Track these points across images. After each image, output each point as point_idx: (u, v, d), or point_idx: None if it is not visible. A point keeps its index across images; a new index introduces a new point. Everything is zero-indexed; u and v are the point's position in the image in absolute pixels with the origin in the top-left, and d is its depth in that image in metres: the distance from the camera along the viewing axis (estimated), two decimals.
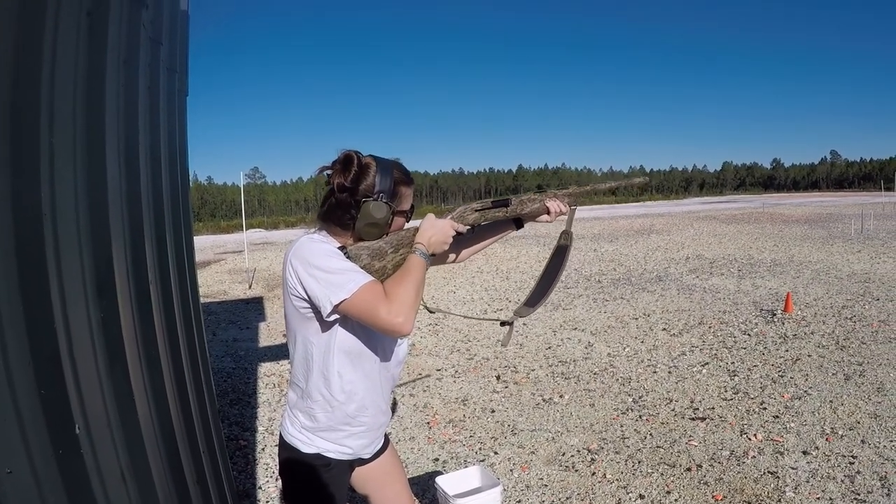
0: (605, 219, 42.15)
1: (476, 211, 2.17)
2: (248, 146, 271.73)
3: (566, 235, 2.38)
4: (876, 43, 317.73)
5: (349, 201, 1.95)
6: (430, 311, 2.34)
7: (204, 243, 35.41)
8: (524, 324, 9.48)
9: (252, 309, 11.98)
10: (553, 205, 2.30)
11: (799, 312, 9.48)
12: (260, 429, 5.56)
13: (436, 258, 2.27)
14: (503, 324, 2.39)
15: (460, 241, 2.32)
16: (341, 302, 1.81)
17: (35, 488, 1.03)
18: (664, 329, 8.88)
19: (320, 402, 2.03)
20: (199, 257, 23.19)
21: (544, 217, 2.33)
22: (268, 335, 9.63)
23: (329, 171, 2.00)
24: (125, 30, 1.80)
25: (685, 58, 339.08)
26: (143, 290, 2.01)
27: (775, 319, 9.10)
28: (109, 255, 1.54)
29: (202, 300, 9.53)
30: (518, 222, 2.39)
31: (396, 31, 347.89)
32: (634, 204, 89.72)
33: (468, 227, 2.18)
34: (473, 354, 7.93)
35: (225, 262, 22.37)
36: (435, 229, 2.05)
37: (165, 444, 2.09)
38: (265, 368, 7.64)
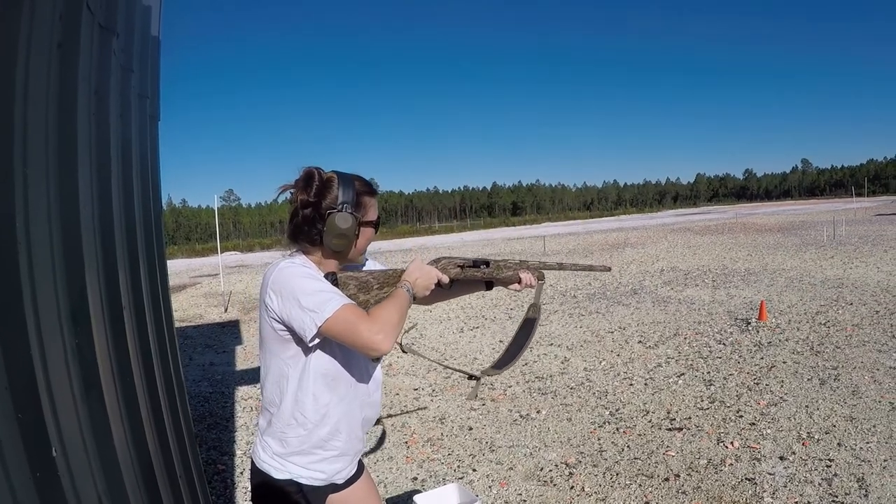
0: (580, 234, 42.47)
1: (458, 266, 2.26)
2: (223, 168, 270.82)
3: (534, 308, 2.48)
4: (845, 52, 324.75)
5: (314, 216, 1.98)
6: (403, 351, 2.40)
7: (179, 267, 35.14)
8: (500, 341, 9.52)
9: (228, 333, 11.91)
10: (525, 276, 2.39)
11: (773, 320, 9.63)
12: (238, 452, 5.52)
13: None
14: (471, 377, 2.48)
15: (436, 291, 2.38)
16: (324, 322, 1.83)
17: None
18: (640, 342, 8.96)
19: (293, 425, 2.03)
20: (174, 281, 22.98)
21: (515, 286, 2.42)
22: (244, 359, 9.57)
23: (292, 190, 2.03)
24: (96, 59, 1.83)
25: (656, 72, 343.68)
26: (117, 316, 2.02)
27: (750, 328, 9.23)
28: (83, 281, 1.56)
29: (178, 324, 9.45)
30: (489, 284, 2.47)
31: (369, 53, 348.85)
32: (609, 218, 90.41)
33: (449, 280, 2.26)
34: (450, 373, 7.92)
35: (200, 286, 22.20)
36: (421, 273, 2.10)
37: (142, 469, 2.09)
38: (242, 392, 7.60)
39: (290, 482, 2.06)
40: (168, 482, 2.44)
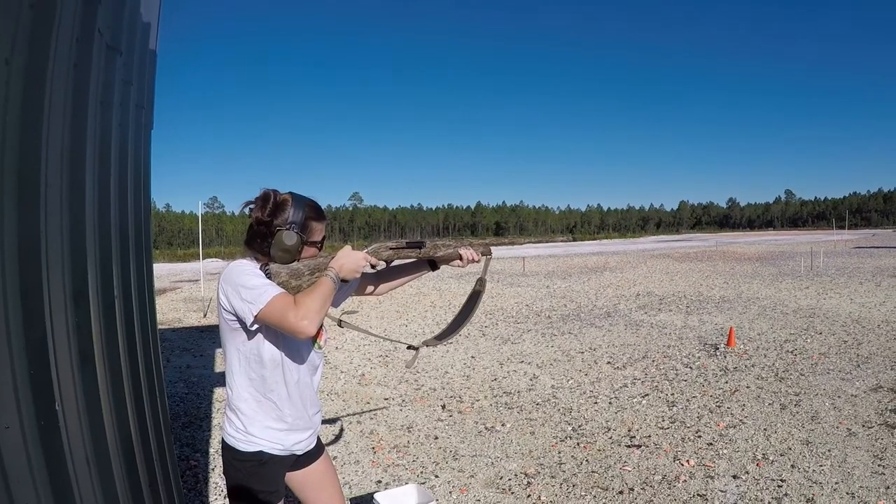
0: (561, 256, 42.64)
1: (390, 249, 2.48)
2: (209, 176, 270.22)
3: (480, 282, 2.71)
4: (831, 85, 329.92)
5: (266, 231, 2.29)
6: (340, 325, 2.66)
7: (160, 271, 34.92)
8: (472, 357, 9.69)
9: (207, 338, 11.98)
10: (465, 252, 2.61)
11: (742, 346, 9.83)
12: (211, 451, 5.66)
13: (357, 289, 2.69)
14: (409, 347, 2.71)
15: (379, 275, 2.65)
16: (259, 311, 2.13)
17: (22, 443, 1.25)
18: (608, 362, 9.15)
19: (246, 399, 2.34)
20: (155, 285, 22.86)
21: (457, 262, 2.63)
22: (222, 362, 9.62)
23: (252, 206, 2.33)
24: (102, 75, 2.05)
25: (643, 97, 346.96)
26: (109, 303, 2.24)
27: (718, 353, 9.42)
28: (85, 268, 1.77)
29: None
30: (433, 264, 2.68)
31: (356, 64, 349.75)
32: (590, 242, 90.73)
33: (382, 263, 2.47)
34: (421, 385, 8.11)
35: (181, 291, 22.23)
36: (348, 259, 2.37)
37: (122, 439, 2.29)
38: (219, 394, 7.71)
39: (256, 453, 2.35)
40: (144, 460, 2.63)
